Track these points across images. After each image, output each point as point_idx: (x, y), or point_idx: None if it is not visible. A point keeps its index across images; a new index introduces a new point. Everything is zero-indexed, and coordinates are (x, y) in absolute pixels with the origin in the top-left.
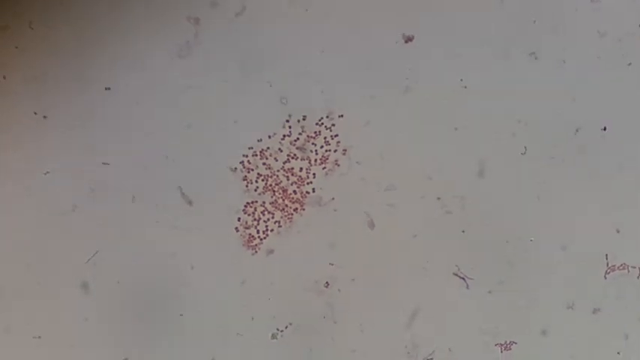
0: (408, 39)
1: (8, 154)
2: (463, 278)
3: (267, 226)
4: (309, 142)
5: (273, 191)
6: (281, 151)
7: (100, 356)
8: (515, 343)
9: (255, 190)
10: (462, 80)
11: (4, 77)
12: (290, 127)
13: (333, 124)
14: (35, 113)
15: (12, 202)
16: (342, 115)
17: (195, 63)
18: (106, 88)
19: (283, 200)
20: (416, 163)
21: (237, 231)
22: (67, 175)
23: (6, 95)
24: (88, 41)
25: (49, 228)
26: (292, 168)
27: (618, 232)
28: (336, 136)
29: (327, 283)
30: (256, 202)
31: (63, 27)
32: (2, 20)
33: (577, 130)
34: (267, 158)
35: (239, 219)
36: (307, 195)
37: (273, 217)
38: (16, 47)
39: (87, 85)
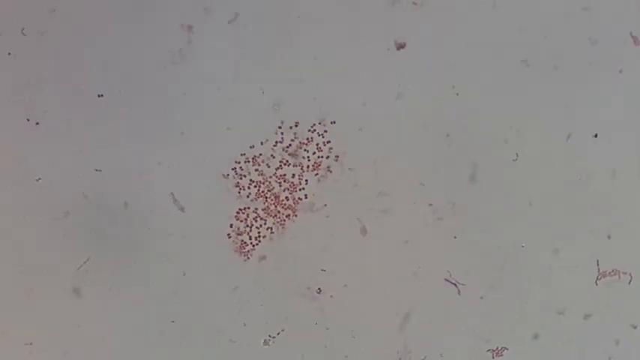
0: (400, 46)
1: (1, 161)
2: (455, 284)
3: (259, 232)
4: (301, 148)
5: (266, 198)
6: (273, 157)
7: None
8: (507, 349)
9: (248, 197)
10: (453, 87)
11: None
12: (282, 133)
13: (326, 131)
14: (28, 120)
15: (4, 208)
16: (334, 122)
17: (188, 70)
18: (98, 95)
19: (275, 207)
20: (408, 170)
21: (230, 237)
22: (60, 181)
23: None
24: (81, 48)
25: (42, 234)
26: (284, 174)
27: (609, 238)
28: (329, 142)
29: (319, 289)
30: (248, 208)
31: (55, 33)
32: None
33: (568, 137)
34: (259, 165)
35: (231, 225)
36: (299, 201)
37: (265, 224)
38: (9, 53)
39: (79, 91)
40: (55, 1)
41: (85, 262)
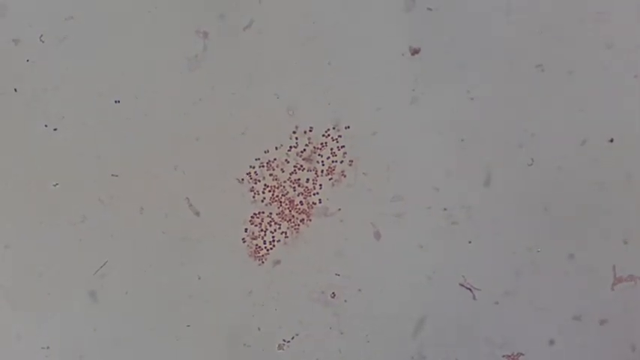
0: (415, 51)
1: (19, 166)
2: (470, 289)
3: (273, 236)
4: (315, 153)
5: (280, 202)
6: (288, 162)
7: None
8: (523, 355)
9: (262, 201)
10: (468, 92)
11: (16, 90)
12: (297, 138)
13: (340, 136)
14: (46, 126)
15: (22, 213)
16: (348, 127)
17: (203, 76)
18: (115, 101)
19: (290, 211)
20: (422, 174)
21: (244, 242)
22: (77, 186)
23: (17, 108)
24: (98, 54)
25: (59, 239)
26: (299, 179)
27: (626, 243)
28: (343, 147)
29: (333, 293)
30: (263, 212)
31: (73, 40)
32: (14, 33)
33: (584, 142)
34: (273, 169)
35: (246, 230)
36: (314, 206)
37: (279, 228)
38: (27, 60)
39: (96, 97)
40: (73, 8)
41: (101, 267)
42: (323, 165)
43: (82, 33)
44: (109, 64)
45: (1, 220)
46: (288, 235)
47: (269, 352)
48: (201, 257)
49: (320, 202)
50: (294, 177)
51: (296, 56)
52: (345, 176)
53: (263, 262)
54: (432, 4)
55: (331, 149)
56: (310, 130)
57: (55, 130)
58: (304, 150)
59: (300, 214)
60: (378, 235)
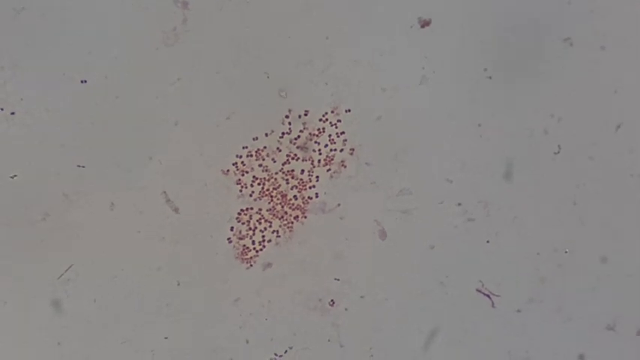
0: (425, 23)
1: None
2: (488, 295)
3: (263, 236)
4: (311, 140)
5: (271, 196)
6: (280, 150)
7: None
8: None
9: (251, 196)
10: (486, 70)
11: None
12: (290, 123)
13: (339, 120)
14: (2, 109)
15: None
16: (349, 110)
17: (183, 52)
18: (82, 81)
19: (282, 207)
20: (433, 165)
21: (230, 242)
22: (38, 179)
23: None
24: (61, 27)
25: (17, 240)
26: (292, 170)
27: None
28: (343, 133)
29: (332, 301)
30: (252, 208)
31: (32, 11)
32: None
33: (618, 127)
34: (264, 159)
35: (232, 228)
36: (309, 201)
37: (270, 226)
38: None
39: (60, 77)
40: None
41: (65, 271)
42: (320, 154)
43: (43, 2)
44: (74, 38)
45: None
46: (280, 234)
47: None
48: (181, 260)
49: (317, 197)
50: (287, 168)
51: (289, 29)
52: (345, 167)
53: (252, 266)
54: None
55: (329, 136)
56: (305, 114)
57: (12, 114)
58: (298, 137)
59: (293, 210)
60: (383, 234)
